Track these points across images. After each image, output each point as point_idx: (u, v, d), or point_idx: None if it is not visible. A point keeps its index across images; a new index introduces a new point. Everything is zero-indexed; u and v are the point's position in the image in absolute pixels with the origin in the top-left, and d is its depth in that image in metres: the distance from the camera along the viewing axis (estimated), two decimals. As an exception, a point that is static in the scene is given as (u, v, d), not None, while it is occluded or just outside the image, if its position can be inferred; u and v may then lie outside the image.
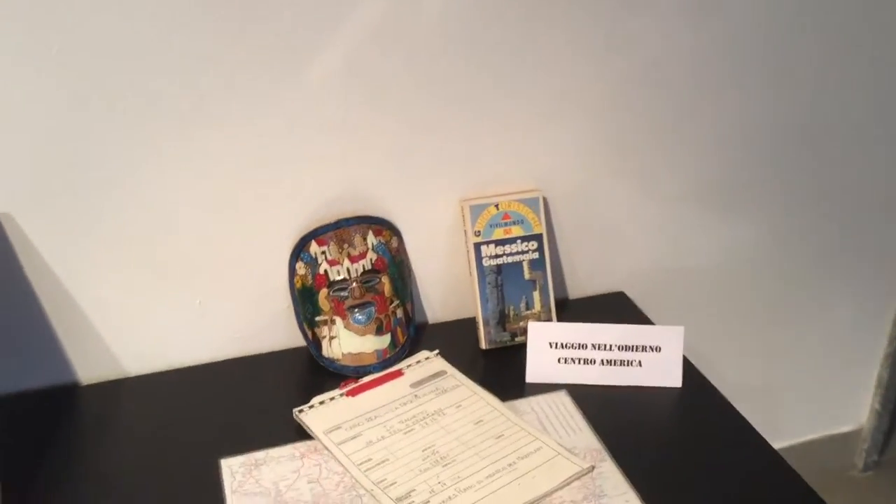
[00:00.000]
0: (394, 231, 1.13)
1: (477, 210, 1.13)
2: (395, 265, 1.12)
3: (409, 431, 0.97)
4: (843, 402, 1.63)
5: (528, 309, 1.15)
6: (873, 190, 1.39)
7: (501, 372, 1.09)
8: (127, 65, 0.94)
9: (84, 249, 1.02)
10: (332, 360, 1.09)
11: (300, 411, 0.99)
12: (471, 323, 1.17)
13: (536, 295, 1.15)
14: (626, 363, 1.07)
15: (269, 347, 1.14)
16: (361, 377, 1.06)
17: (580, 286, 1.29)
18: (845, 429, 1.66)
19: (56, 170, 0.97)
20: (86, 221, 1.01)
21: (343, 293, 1.08)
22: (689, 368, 1.09)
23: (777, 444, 1.56)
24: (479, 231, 1.13)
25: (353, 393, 1.03)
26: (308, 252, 1.08)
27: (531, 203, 1.15)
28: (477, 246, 1.13)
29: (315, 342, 1.09)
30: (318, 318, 1.08)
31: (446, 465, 0.92)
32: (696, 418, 1.02)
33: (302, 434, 0.97)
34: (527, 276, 1.15)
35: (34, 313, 1.03)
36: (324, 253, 1.08)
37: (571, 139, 1.17)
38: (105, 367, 1.09)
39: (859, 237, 1.43)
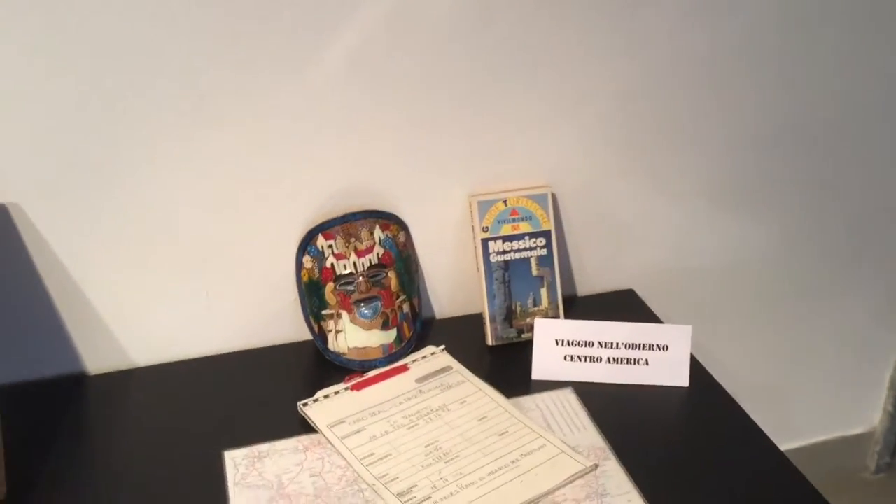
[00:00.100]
0: (401, 226, 1.13)
1: (485, 206, 1.13)
2: (402, 260, 1.12)
3: (412, 427, 0.97)
4: (855, 404, 1.61)
5: (535, 305, 1.14)
6: (886, 190, 1.37)
7: (507, 368, 1.09)
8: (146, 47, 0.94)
9: (93, 240, 1.03)
10: (337, 354, 1.09)
11: (304, 405, 0.99)
12: (478, 319, 1.16)
13: (544, 291, 1.15)
14: (632, 361, 1.07)
15: (276, 340, 1.15)
16: (367, 371, 1.06)
17: (589, 283, 1.28)
18: (857, 431, 1.64)
19: (66, 161, 0.98)
20: (94, 212, 1.01)
21: (349, 287, 1.08)
22: (696, 368, 1.08)
23: (788, 445, 1.57)
24: (486, 227, 1.13)
25: (357, 387, 1.03)
26: (315, 246, 1.08)
27: (540, 199, 1.14)
28: (484, 242, 1.13)
29: (321, 336, 1.09)
30: (324, 312, 1.08)
31: (449, 461, 0.92)
32: (703, 418, 1.01)
33: (306, 427, 0.98)
34: (534, 272, 1.14)
35: (43, 304, 1.04)
36: (330, 247, 1.08)
37: (581, 136, 1.16)
38: (113, 358, 1.09)
39: (872, 237, 1.41)
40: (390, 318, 1.09)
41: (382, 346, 1.09)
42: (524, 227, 1.14)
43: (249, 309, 1.12)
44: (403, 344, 1.11)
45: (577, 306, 1.24)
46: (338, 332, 1.08)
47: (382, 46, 1.02)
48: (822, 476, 1.18)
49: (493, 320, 1.13)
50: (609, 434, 0.97)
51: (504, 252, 1.13)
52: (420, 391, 1.03)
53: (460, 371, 1.07)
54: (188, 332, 1.11)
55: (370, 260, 1.09)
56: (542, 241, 1.14)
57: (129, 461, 0.94)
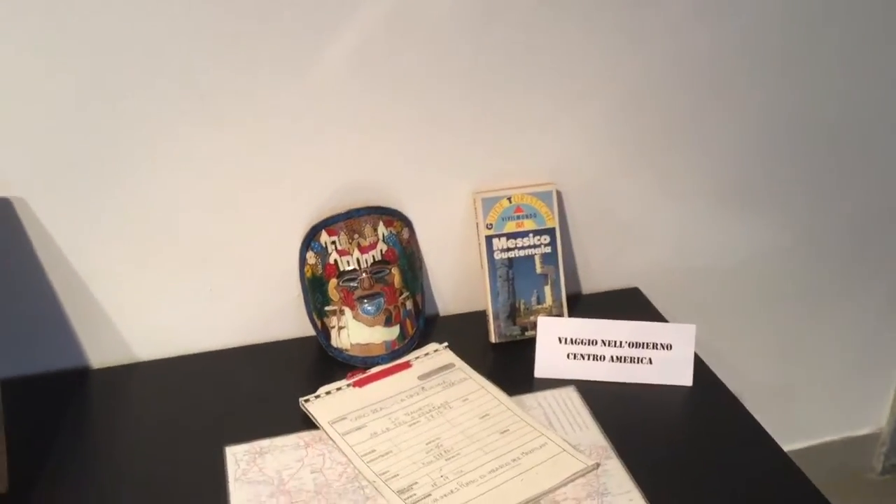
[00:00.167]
0: (405, 222, 1.13)
1: (489, 203, 1.12)
2: (406, 256, 1.12)
3: (414, 424, 0.97)
4: (861, 405, 1.60)
5: (539, 303, 1.14)
6: (891, 189, 1.36)
7: (510, 366, 1.09)
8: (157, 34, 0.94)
9: (97, 235, 1.03)
10: (340, 351, 1.09)
11: (306, 401, 0.99)
12: (481, 316, 1.16)
13: (548, 289, 1.14)
14: (636, 360, 1.06)
15: (279, 336, 1.15)
16: (369, 368, 1.06)
17: (594, 281, 1.27)
18: (864, 431, 1.63)
19: (69, 155, 0.98)
20: (98, 207, 1.01)
21: (352, 283, 1.08)
22: (700, 367, 1.07)
23: (794, 445, 1.56)
24: (490, 224, 1.12)
25: (360, 384, 1.03)
26: (318, 241, 1.08)
27: (544, 196, 1.14)
28: (489, 239, 1.12)
29: (324, 332, 1.09)
30: (327, 308, 1.08)
31: (450, 458, 0.91)
32: (705, 418, 1.01)
33: (308, 423, 0.98)
34: (538, 270, 1.14)
35: (47, 297, 1.04)
36: (334, 243, 1.08)
37: (586, 134, 1.16)
38: (116, 352, 1.10)
39: (878, 236, 1.40)
40: (393, 314, 1.09)
41: (385, 342, 1.09)
42: (528, 225, 1.13)
43: (252, 304, 1.12)
44: (406, 341, 1.11)
45: (582, 304, 1.24)
46: (341, 328, 1.08)
47: (387, 43, 1.02)
48: (828, 477, 1.17)
49: (496, 318, 1.13)
50: (611, 433, 0.96)
51: (508, 249, 1.13)
52: (422, 388, 1.03)
53: (463, 368, 1.07)
54: (191, 327, 1.11)
55: (373, 256, 1.09)
56: (546, 239, 1.14)
57: (131, 455, 0.94)
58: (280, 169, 1.06)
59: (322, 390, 1.01)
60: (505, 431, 0.96)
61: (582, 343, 1.07)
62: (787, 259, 1.37)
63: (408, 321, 1.11)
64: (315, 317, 1.10)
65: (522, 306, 1.13)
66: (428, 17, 1.02)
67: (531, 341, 1.09)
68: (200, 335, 1.12)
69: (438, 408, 1.00)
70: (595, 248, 1.25)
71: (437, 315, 1.21)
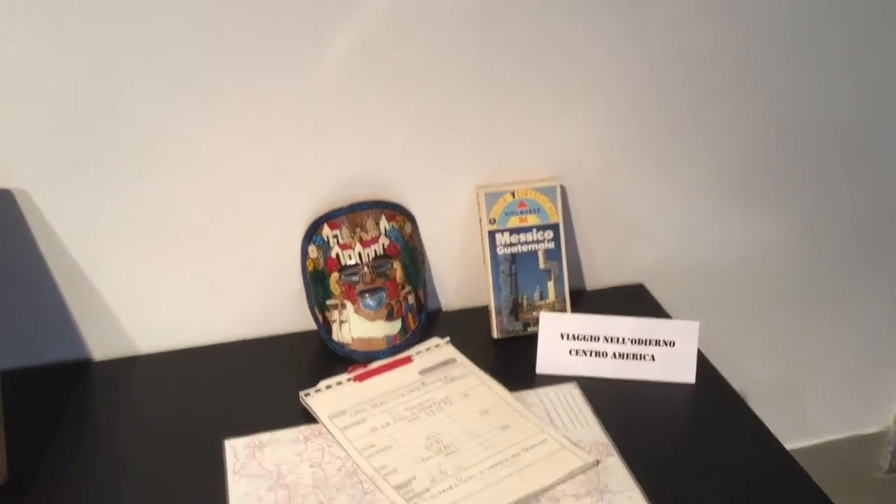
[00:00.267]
0: (407, 216, 1.12)
1: (492, 198, 1.12)
2: (408, 251, 1.11)
3: (414, 419, 0.96)
4: (868, 403, 1.59)
5: (541, 299, 1.13)
6: (897, 187, 1.35)
7: (512, 362, 1.08)
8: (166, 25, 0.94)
9: (99, 227, 1.03)
10: (342, 345, 1.08)
11: (306, 395, 0.99)
12: (484, 311, 1.16)
13: (551, 285, 1.14)
14: (638, 357, 1.05)
15: (280, 330, 1.14)
16: (370, 362, 1.06)
17: (598, 277, 1.27)
18: (870, 430, 1.62)
19: (72, 147, 0.98)
20: (101, 200, 1.01)
21: (354, 278, 1.07)
22: (704, 364, 1.06)
23: (800, 444, 1.55)
24: (493, 219, 1.12)
25: (360, 378, 1.03)
26: (320, 235, 1.08)
27: (548, 192, 1.13)
28: (491, 234, 1.12)
29: (326, 326, 1.09)
30: (328, 302, 1.08)
31: (449, 454, 0.91)
32: (708, 415, 1.00)
33: (308, 417, 0.97)
34: (542, 265, 1.13)
35: (49, 289, 1.04)
36: (336, 236, 1.08)
37: (591, 129, 1.15)
38: (117, 345, 1.10)
39: (883, 235, 1.39)
40: (395, 309, 1.09)
41: (387, 336, 1.08)
42: (532, 220, 1.13)
43: (254, 298, 1.12)
44: (408, 335, 1.10)
45: (586, 300, 1.23)
46: (342, 322, 1.08)
47: (390, 39, 1.01)
48: (834, 475, 1.16)
49: (498, 313, 1.12)
50: (612, 430, 0.96)
51: (511, 244, 1.12)
52: (423, 383, 1.03)
53: (464, 363, 1.06)
54: (193, 320, 1.11)
55: (375, 250, 1.08)
56: (549, 234, 1.13)
57: (131, 446, 0.94)
58: (282, 164, 1.05)
59: (322, 384, 1.01)
60: (505, 427, 0.95)
61: (584, 339, 1.06)
62: (791, 257, 1.36)
63: (409, 316, 1.11)
64: (316, 311, 1.09)
65: (525, 302, 1.13)
66: (431, 12, 1.01)
67: (533, 337, 1.08)
68: (202, 328, 1.12)
69: (439, 403, 0.99)
70: (599, 244, 1.24)
71: (439, 310, 1.21)
